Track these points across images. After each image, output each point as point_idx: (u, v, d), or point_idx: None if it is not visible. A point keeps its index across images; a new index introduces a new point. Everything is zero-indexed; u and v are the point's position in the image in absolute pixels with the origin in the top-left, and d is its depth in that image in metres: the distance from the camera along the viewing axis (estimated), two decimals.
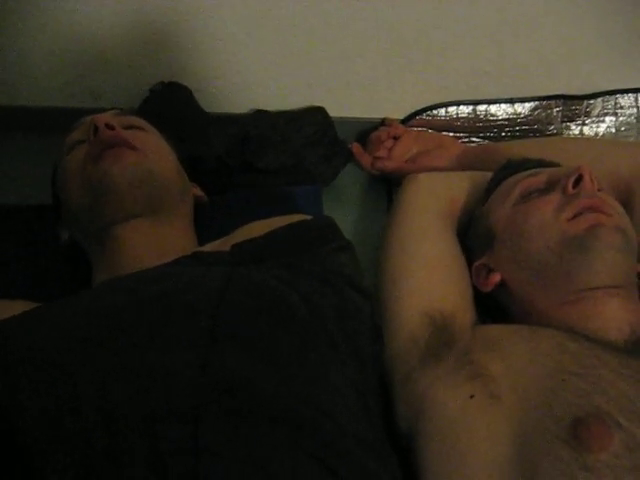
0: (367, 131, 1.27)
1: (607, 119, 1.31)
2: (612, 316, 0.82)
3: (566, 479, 0.65)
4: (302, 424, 0.64)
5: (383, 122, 1.28)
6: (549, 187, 0.88)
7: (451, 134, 1.28)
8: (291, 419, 0.64)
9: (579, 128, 1.31)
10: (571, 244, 0.82)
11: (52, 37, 1.16)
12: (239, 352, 0.67)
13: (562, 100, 1.30)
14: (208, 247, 0.89)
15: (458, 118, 1.28)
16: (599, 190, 0.87)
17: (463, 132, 1.29)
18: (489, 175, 0.99)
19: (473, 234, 0.97)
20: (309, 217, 0.93)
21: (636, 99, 1.30)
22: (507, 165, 0.98)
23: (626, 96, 1.30)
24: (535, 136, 1.29)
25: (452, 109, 1.28)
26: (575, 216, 0.84)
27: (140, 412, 0.61)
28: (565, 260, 0.83)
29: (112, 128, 0.89)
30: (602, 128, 1.31)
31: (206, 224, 1.00)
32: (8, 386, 0.64)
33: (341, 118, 1.25)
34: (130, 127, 0.94)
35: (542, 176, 0.90)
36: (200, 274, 0.76)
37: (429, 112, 1.28)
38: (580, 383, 0.71)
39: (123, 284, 0.76)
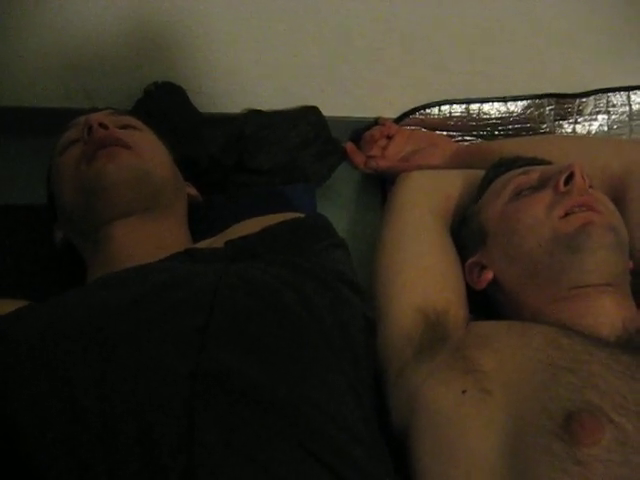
0: (361, 130, 1.27)
1: (599, 117, 1.31)
2: (604, 313, 0.82)
3: (558, 473, 0.66)
4: (297, 418, 0.65)
5: (377, 121, 1.28)
6: (541, 185, 0.89)
7: (444, 133, 1.29)
8: (286, 413, 0.64)
9: (572, 126, 1.31)
10: (562, 243, 0.83)
11: (46, 38, 1.15)
12: (232, 348, 0.67)
13: (554, 98, 1.30)
14: (202, 244, 0.90)
15: (451, 117, 1.29)
16: (590, 187, 0.87)
17: (456, 131, 1.29)
18: (482, 173, 1.00)
19: (466, 232, 0.97)
20: (303, 215, 0.93)
21: (628, 97, 1.31)
22: (500, 163, 0.98)
23: (618, 94, 1.30)
24: (528, 134, 1.29)
25: (445, 108, 1.29)
26: (567, 214, 0.84)
27: (134, 407, 0.61)
28: (557, 258, 0.83)
29: (106, 127, 0.89)
30: (594, 126, 1.31)
31: (200, 223, 1.00)
32: (2, 382, 0.64)
33: (335, 117, 1.25)
34: (124, 126, 0.94)
35: (534, 174, 0.91)
36: (194, 271, 0.76)
37: (422, 111, 1.29)
38: (572, 378, 0.72)
39: (117, 280, 0.76)
